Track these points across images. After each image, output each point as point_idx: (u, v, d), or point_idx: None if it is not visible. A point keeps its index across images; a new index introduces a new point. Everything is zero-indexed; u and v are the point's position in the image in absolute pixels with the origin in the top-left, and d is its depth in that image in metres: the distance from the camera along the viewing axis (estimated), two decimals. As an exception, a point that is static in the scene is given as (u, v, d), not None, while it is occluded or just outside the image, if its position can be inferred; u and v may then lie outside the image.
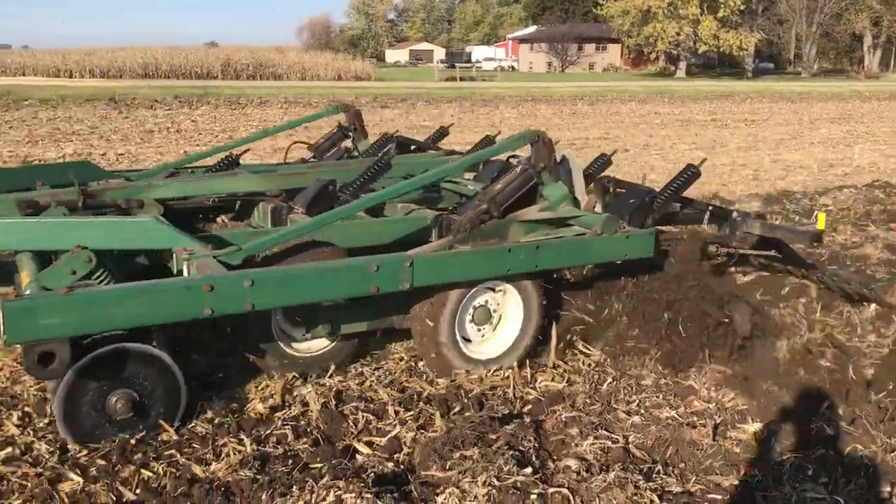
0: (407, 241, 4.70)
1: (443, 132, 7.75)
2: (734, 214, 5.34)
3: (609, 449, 3.74)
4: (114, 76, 43.54)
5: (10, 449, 3.59)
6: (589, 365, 4.78)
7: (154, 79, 42.93)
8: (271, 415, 4.05)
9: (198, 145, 15.37)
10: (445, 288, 4.35)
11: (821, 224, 5.31)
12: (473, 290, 4.48)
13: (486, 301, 4.59)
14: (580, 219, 4.80)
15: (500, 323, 4.67)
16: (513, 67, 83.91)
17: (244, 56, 48.74)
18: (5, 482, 3.30)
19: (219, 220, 5.60)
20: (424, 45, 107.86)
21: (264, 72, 47.28)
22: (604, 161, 6.18)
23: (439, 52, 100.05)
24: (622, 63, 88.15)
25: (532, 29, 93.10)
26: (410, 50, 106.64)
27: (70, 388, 3.51)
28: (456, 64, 72.54)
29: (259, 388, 4.34)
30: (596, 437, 3.84)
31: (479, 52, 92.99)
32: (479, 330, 4.62)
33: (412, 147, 7.19)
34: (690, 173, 5.31)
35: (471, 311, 4.56)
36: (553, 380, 4.58)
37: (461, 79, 52.46)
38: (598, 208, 5.30)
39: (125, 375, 3.62)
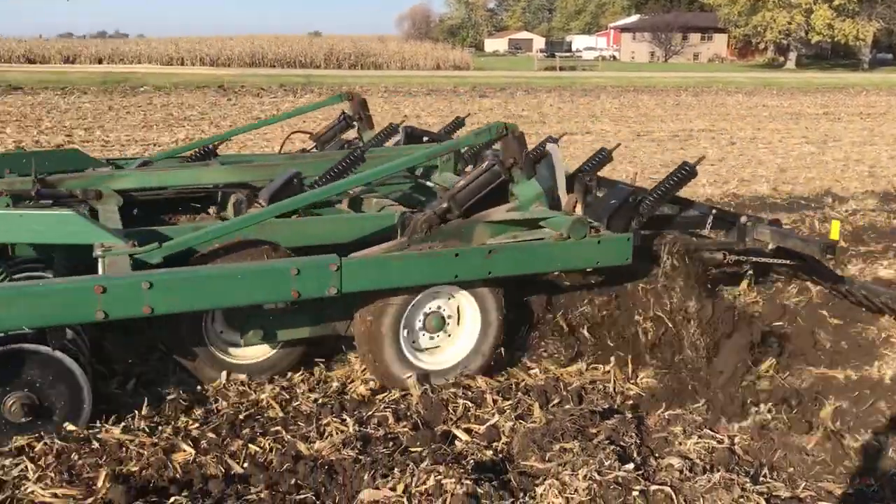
0: (368, 240, 4.37)
1: (458, 123, 7.12)
2: (743, 219, 5.02)
3: (714, 449, 3.64)
4: (222, 64, 45.03)
5: (129, 420, 3.77)
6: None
7: (260, 67, 44.19)
8: (373, 397, 4.11)
9: (304, 133, 15.71)
10: (387, 293, 4.03)
11: (834, 233, 4.83)
12: (420, 296, 4.15)
13: (439, 307, 4.26)
14: (550, 220, 4.39)
15: (455, 331, 4.33)
16: (614, 57, 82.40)
17: (346, 46, 49.56)
18: (125, 449, 3.46)
19: (209, 211, 5.43)
20: (524, 35, 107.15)
21: (365, 61, 47.97)
22: (602, 157, 5.79)
23: (539, 42, 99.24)
24: (728, 53, 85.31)
25: (635, 18, 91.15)
26: (509, 39, 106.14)
27: None
28: (556, 53, 71.80)
29: (363, 370, 4.41)
30: (700, 437, 3.74)
31: (579, 42, 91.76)
32: (433, 338, 4.29)
33: (424, 138, 6.66)
34: (685, 172, 4.86)
35: (421, 317, 4.23)
36: (655, 377, 4.49)
37: (561, 68, 51.89)
38: (580, 209, 4.79)
39: (21, 378, 3.46)
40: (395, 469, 3.30)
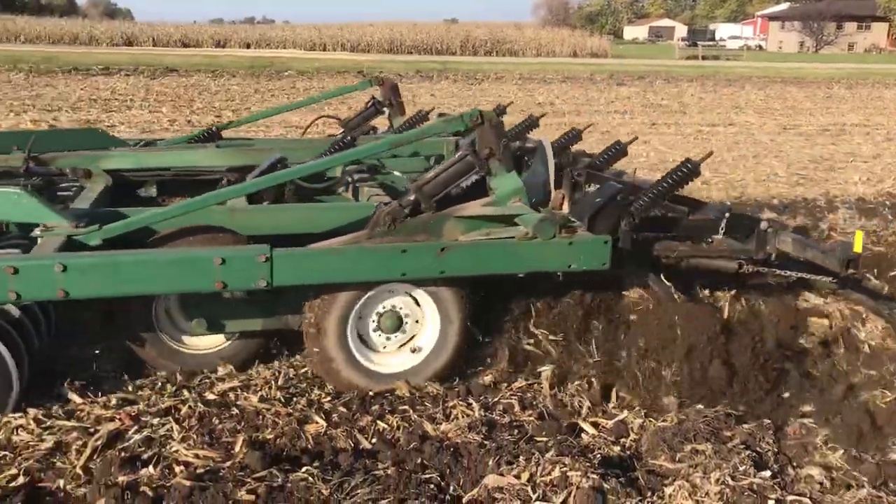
0: (343, 231, 4.13)
1: (531, 123, 6.41)
2: (763, 225, 4.45)
3: (862, 460, 3.42)
4: (362, 50, 46.13)
5: (267, 390, 3.93)
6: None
7: (398, 54, 44.96)
8: (498, 385, 4.11)
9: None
10: (333, 289, 3.82)
11: (857, 246, 4.25)
12: (371, 294, 3.90)
13: (395, 306, 4.02)
14: (523, 217, 4.01)
15: (412, 333, 4.08)
16: (760, 47, 78.73)
17: (482, 32, 49.66)
18: (261, 417, 3.62)
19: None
20: (665, 22, 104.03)
21: (501, 48, 47.92)
22: (616, 150, 5.40)
23: (680, 30, 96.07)
24: (888, 43, 79.73)
25: (784, 6, 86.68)
26: (650, 27, 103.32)
27: None
28: (698, 42, 69.27)
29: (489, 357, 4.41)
30: (846, 450, 3.53)
31: (723, 30, 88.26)
32: (389, 339, 4.06)
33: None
34: (686, 170, 4.36)
35: (374, 317, 4.00)
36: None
37: (703, 57, 50.05)
38: (567, 207, 4.36)
39: None
40: (521, 457, 3.28)
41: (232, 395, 3.87)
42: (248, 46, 45.81)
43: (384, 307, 4.02)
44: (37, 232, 3.78)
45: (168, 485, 3.08)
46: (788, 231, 4.56)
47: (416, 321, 4.06)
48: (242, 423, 3.59)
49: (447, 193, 4.05)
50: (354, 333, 3.94)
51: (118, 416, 3.62)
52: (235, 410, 3.69)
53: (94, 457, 3.29)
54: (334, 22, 58.16)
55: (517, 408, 3.82)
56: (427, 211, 3.99)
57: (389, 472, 3.20)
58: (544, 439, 3.48)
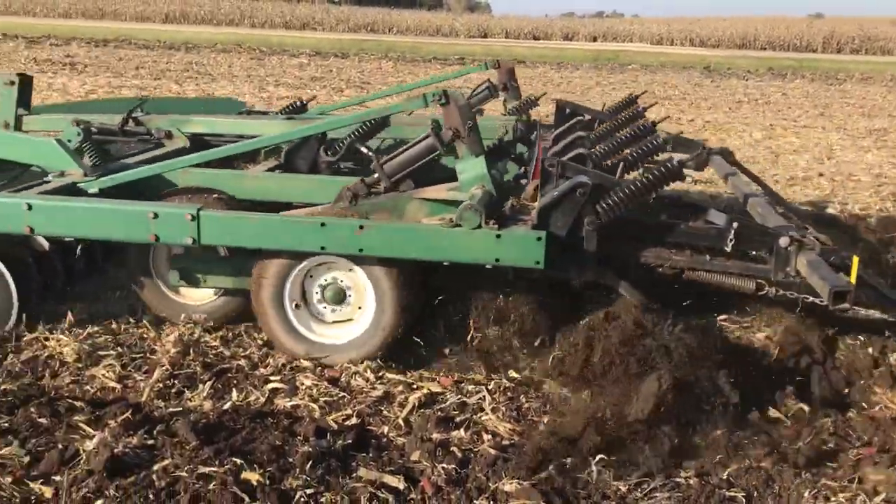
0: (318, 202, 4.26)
1: (630, 100, 5.91)
2: (783, 241, 3.66)
3: None
4: (712, 45, 44.25)
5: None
6: None
7: (750, 49, 42.41)
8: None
9: (784, 118, 14.80)
10: (267, 255, 3.97)
11: (852, 275, 3.42)
12: (305, 264, 4.00)
13: (337, 279, 4.06)
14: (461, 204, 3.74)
15: (353, 307, 4.09)
16: None
17: (850, 28, 44.98)
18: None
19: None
20: None
21: (872, 46, 43.06)
22: (654, 145, 4.58)
23: None
24: None
25: None
26: None
27: None
28: None
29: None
30: None
31: None
32: (334, 311, 4.11)
33: (583, 117, 5.78)
34: (664, 171, 3.79)
35: (317, 288, 4.09)
36: None
37: None
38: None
39: None
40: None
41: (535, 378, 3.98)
42: (595, 40, 46.24)
43: (326, 280, 4.08)
44: (50, 176, 4.42)
45: (476, 449, 3.27)
46: (815, 250, 3.69)
47: (358, 297, 4.07)
48: (548, 406, 3.70)
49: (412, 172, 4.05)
50: (291, 300, 4.06)
51: (438, 379, 3.91)
52: (541, 394, 3.81)
53: (414, 412, 3.59)
54: (685, 16, 56.47)
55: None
56: (389, 190, 4.02)
57: (692, 482, 3.09)
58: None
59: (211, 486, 2.87)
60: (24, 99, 5.07)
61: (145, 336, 4.32)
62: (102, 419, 3.35)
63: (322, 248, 3.83)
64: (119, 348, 4.16)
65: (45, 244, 4.24)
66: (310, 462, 3.08)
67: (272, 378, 3.89)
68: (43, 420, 3.33)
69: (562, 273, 3.86)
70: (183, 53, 24.04)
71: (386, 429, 3.46)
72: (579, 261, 3.83)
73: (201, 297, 4.50)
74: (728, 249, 3.85)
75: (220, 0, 45.65)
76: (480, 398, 3.73)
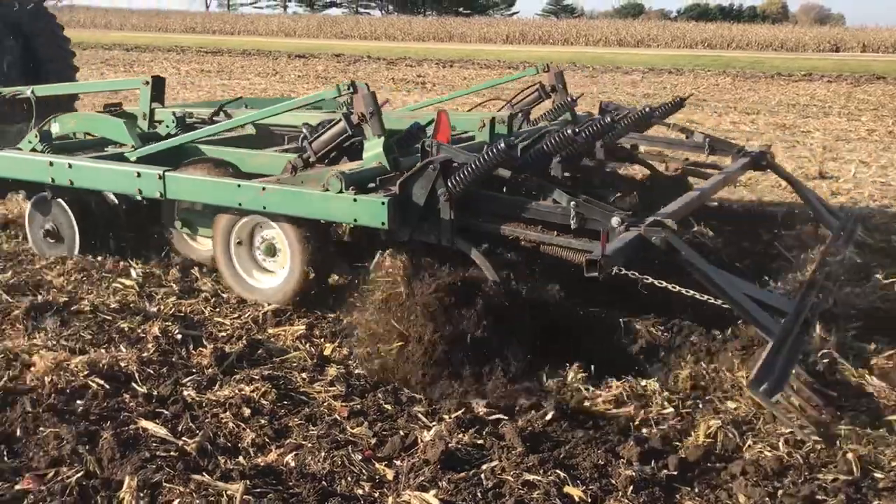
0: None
1: (678, 103, 6.84)
2: (614, 222, 4.07)
3: None
4: None
5: None
6: None
7: None
8: None
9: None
10: (218, 210, 4.95)
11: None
12: (244, 221, 4.89)
13: (270, 236, 4.86)
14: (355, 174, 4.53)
15: (278, 259, 4.88)
16: None
17: None
18: None
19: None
20: None
21: None
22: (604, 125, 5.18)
23: None
24: None
25: None
26: None
27: (29, 214, 5.81)
28: None
29: None
30: None
31: None
32: (267, 261, 4.95)
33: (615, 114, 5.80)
34: (495, 152, 4.19)
35: (259, 241, 4.94)
36: None
37: None
38: None
39: (49, 214, 5.70)
40: None
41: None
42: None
43: (263, 237, 4.93)
44: (108, 148, 5.82)
45: None
46: (655, 235, 3.92)
47: (282, 252, 4.82)
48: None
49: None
50: (235, 249, 5.00)
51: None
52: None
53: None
54: None
55: None
56: (316, 164, 4.79)
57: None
58: None
59: (535, 495, 2.92)
60: (157, 95, 6.01)
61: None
62: (438, 412, 3.57)
63: (239, 204, 4.71)
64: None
65: (114, 199, 5.67)
66: (632, 486, 3.01)
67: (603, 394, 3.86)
68: (388, 406, 3.64)
69: (424, 238, 4.35)
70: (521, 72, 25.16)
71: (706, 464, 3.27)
72: (436, 228, 4.32)
73: (207, 244, 5.41)
74: (573, 226, 4.13)
75: (557, 21, 47.06)
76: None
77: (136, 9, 58.79)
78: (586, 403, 3.76)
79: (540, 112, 7.08)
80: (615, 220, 4.07)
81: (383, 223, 4.26)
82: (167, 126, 5.91)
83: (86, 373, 3.80)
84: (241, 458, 3.20)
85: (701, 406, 3.73)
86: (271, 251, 4.90)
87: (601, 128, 5.18)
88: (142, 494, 2.88)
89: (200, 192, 4.95)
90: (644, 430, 3.52)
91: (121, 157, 5.50)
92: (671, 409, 3.70)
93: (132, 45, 34.91)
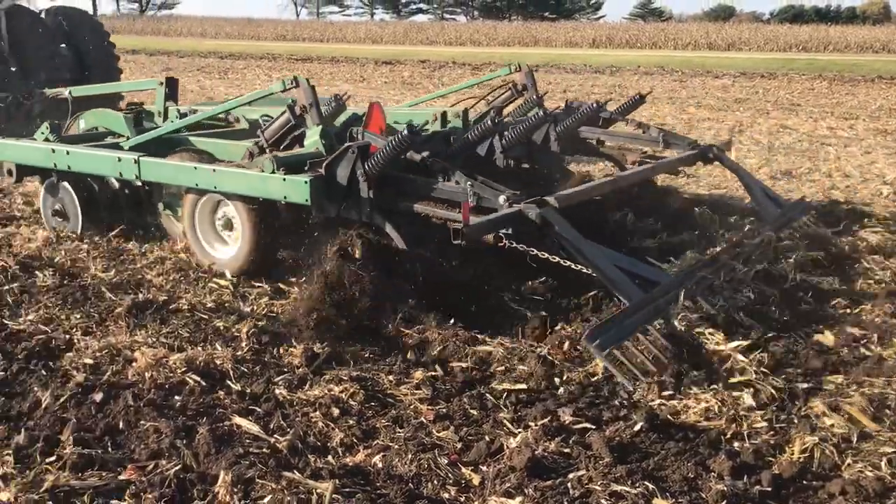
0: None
1: (637, 101, 7.27)
2: (501, 199, 4.67)
3: None
4: None
5: None
6: None
7: None
8: None
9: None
10: (186, 191, 5.66)
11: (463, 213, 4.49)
12: (205, 199, 5.57)
13: (228, 213, 5.49)
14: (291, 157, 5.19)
15: (234, 234, 5.50)
16: None
17: None
18: None
19: None
20: None
21: None
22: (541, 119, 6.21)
23: None
24: None
25: None
26: None
27: (43, 196, 6.67)
28: None
29: None
30: None
31: None
32: (225, 234, 5.61)
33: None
34: (398, 140, 4.82)
35: (220, 216, 5.59)
36: None
37: None
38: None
39: (56, 195, 6.51)
40: None
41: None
42: None
43: (223, 212, 5.57)
44: (108, 139, 6.53)
45: None
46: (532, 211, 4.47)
47: (237, 227, 5.42)
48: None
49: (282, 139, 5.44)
50: (199, 224, 5.69)
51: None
52: None
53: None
54: None
55: None
56: (269, 150, 5.33)
57: None
58: None
59: (622, 506, 2.88)
60: (170, 94, 6.75)
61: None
62: (524, 419, 3.56)
63: (196, 184, 5.40)
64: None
65: (115, 184, 6.33)
66: (724, 501, 2.93)
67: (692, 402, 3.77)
68: (474, 411, 3.65)
69: (347, 215, 4.95)
70: (607, 77, 24.85)
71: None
72: (357, 205, 4.90)
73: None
74: (471, 204, 4.64)
75: (644, 25, 46.32)
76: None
77: (230, 17, 60.50)
78: (676, 415, 3.68)
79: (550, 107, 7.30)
80: (502, 198, 4.64)
81: (307, 200, 4.86)
82: (171, 121, 6.49)
83: (183, 369, 3.95)
84: (330, 458, 3.27)
85: (796, 421, 3.61)
86: (229, 226, 5.59)
87: (535, 121, 6.12)
88: (236, 489, 2.97)
89: (166, 174, 5.69)
90: (735, 444, 3.43)
91: (116, 147, 6.23)
92: (764, 424, 3.58)
93: (226, 53, 36.04)
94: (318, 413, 3.60)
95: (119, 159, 5.80)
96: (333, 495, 2.92)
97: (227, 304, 5.02)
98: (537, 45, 43.71)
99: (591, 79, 24.21)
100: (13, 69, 10.71)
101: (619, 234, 5.92)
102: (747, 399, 3.75)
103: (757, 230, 5.71)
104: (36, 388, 3.79)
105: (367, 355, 4.28)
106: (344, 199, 4.91)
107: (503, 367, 4.15)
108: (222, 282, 5.39)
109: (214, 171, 5.27)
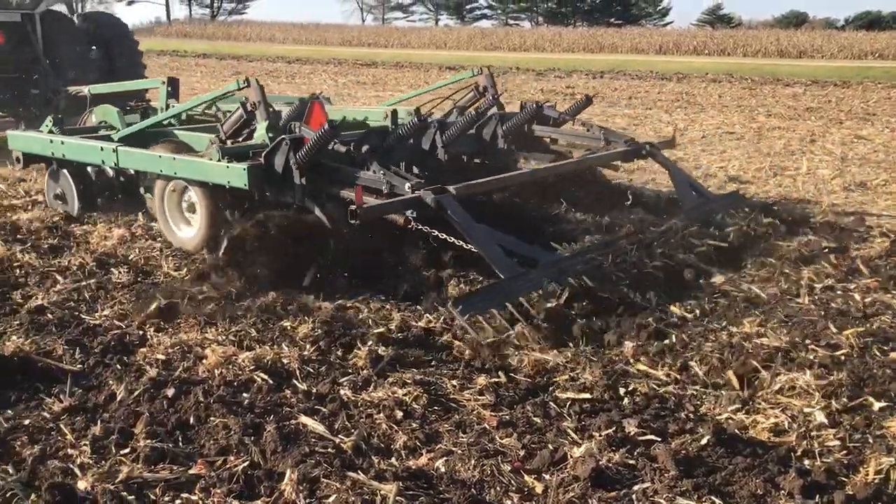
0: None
1: (587, 101, 8.14)
2: (407, 187, 5.41)
3: None
4: None
5: None
6: None
7: None
8: None
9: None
10: (157, 177, 6.43)
11: (357, 195, 5.33)
12: (172, 184, 6.36)
13: (191, 197, 6.23)
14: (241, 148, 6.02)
15: (196, 216, 6.20)
16: None
17: None
18: None
19: None
20: None
21: None
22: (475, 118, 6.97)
23: None
24: None
25: None
26: None
27: (47, 182, 7.50)
28: None
29: None
30: None
31: None
32: (189, 216, 6.36)
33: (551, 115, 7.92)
34: (321, 134, 5.54)
35: (186, 200, 6.36)
36: None
37: None
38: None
39: (58, 181, 7.35)
40: None
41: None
42: None
43: (188, 197, 6.28)
44: (102, 131, 7.33)
45: None
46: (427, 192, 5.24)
47: (199, 210, 6.10)
48: None
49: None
50: (168, 207, 6.44)
51: None
52: None
53: None
54: None
55: None
56: (226, 142, 6.04)
57: None
58: None
59: (689, 520, 2.83)
60: (172, 92, 7.43)
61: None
62: (588, 429, 3.53)
63: (160, 170, 6.18)
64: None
65: (110, 172, 7.10)
66: (796, 522, 2.86)
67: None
68: (537, 419, 3.63)
69: (283, 198, 5.68)
70: (674, 84, 24.47)
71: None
72: (291, 191, 5.64)
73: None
74: (384, 190, 5.41)
75: (712, 31, 45.51)
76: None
77: (297, 23, 61.48)
78: (744, 430, 3.60)
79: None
80: (407, 185, 5.33)
81: (245, 185, 5.58)
82: (156, 116, 7.32)
83: (252, 367, 4.04)
84: (393, 460, 3.29)
85: (871, 441, 3.50)
86: (192, 208, 6.28)
87: (468, 122, 6.86)
88: (301, 487, 3.02)
89: (138, 162, 6.43)
90: (806, 462, 3.34)
91: (108, 139, 6.94)
92: (836, 442, 3.49)
93: (293, 58, 36.63)
94: (381, 415, 3.63)
95: (101, 149, 6.63)
96: (397, 497, 2.95)
97: (294, 303, 5.08)
98: (602, 52, 43.31)
99: (658, 85, 23.88)
100: (46, 68, 11.64)
101: (545, 222, 6.52)
102: (819, 416, 3.65)
103: (668, 221, 6.19)
104: (111, 382, 3.92)
105: (429, 359, 4.31)
106: (281, 185, 5.64)
107: (566, 376, 4.12)
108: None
109: (175, 159, 6.05)
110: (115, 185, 7.30)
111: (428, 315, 4.92)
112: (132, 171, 6.85)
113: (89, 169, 7.25)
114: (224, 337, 4.47)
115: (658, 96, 20.42)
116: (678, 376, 4.13)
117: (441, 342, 4.54)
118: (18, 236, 6.55)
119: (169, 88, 7.37)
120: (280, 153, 5.61)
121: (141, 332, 4.57)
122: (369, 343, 4.39)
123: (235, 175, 5.61)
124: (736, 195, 7.45)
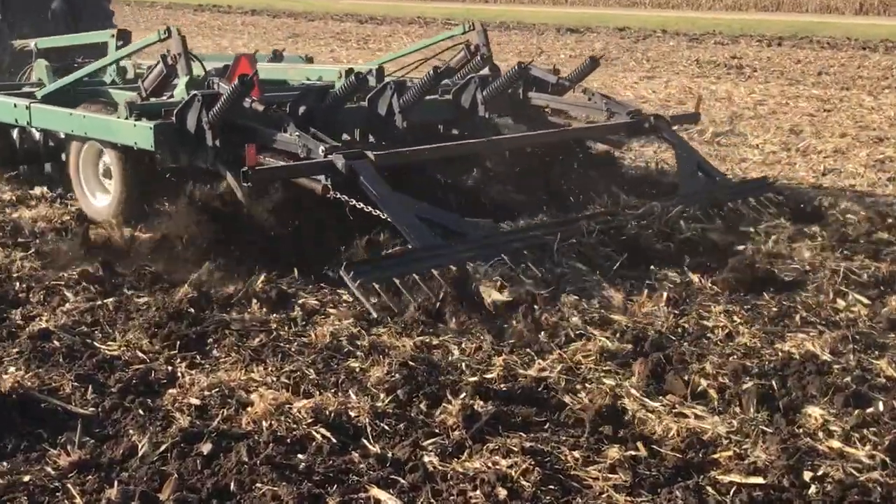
0: None
1: (594, 64, 9.16)
2: (338, 162, 6.15)
3: None
4: None
5: None
6: None
7: None
8: None
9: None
10: (70, 140, 7.66)
11: (250, 159, 5.89)
12: (87, 146, 7.46)
13: (107, 161, 7.26)
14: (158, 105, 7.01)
15: (112, 182, 7.27)
16: None
17: None
18: None
19: None
20: None
21: None
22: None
23: None
24: None
25: None
26: None
27: None
28: None
29: None
30: None
31: None
32: (105, 182, 7.40)
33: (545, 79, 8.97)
34: (236, 87, 6.34)
35: (101, 165, 7.42)
36: None
37: None
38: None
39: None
40: None
41: None
42: None
43: (103, 161, 7.34)
44: (26, 87, 8.62)
45: None
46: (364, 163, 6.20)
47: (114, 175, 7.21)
48: None
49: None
50: (83, 172, 7.61)
51: None
52: None
53: None
54: None
55: None
56: (149, 99, 7.09)
57: None
58: None
59: None
60: (122, 46, 8.17)
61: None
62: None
63: (72, 130, 7.27)
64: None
65: (36, 134, 8.25)
66: None
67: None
68: None
69: (197, 162, 6.57)
70: (880, 55, 23.73)
71: None
72: (204, 153, 6.43)
73: None
74: (300, 154, 6.28)
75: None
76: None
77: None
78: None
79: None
80: (321, 149, 6.18)
81: (152, 146, 6.37)
82: (109, 75, 8.55)
83: (310, 420, 4.10)
84: (494, 554, 3.28)
85: None
86: (108, 174, 7.22)
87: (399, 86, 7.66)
88: (374, 583, 3.04)
89: (50, 120, 7.54)
90: None
91: (29, 95, 8.06)
92: None
93: (366, 17, 37.23)
94: (478, 492, 3.62)
95: (15, 106, 7.76)
96: None
97: (362, 337, 5.13)
98: (780, 10, 42.49)
99: (858, 57, 23.21)
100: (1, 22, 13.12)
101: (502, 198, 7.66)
102: None
103: (650, 202, 7.14)
104: (132, 432, 4.05)
105: (542, 421, 4.28)
106: (195, 147, 6.42)
107: (730, 452, 4.03)
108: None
109: (84, 117, 7.00)
110: (42, 148, 8.40)
111: (540, 360, 4.90)
112: (62, 135, 7.81)
113: (15, 133, 8.46)
114: (275, 378, 4.56)
115: (858, 72, 19.88)
116: (886, 458, 3.98)
117: (558, 399, 4.51)
118: (19, 239, 6.86)
119: (119, 42, 8.21)
120: (192, 111, 6.42)
121: (170, 368, 4.71)
122: (462, 395, 4.41)
123: (142, 135, 6.45)
124: (763, 181, 8.31)
